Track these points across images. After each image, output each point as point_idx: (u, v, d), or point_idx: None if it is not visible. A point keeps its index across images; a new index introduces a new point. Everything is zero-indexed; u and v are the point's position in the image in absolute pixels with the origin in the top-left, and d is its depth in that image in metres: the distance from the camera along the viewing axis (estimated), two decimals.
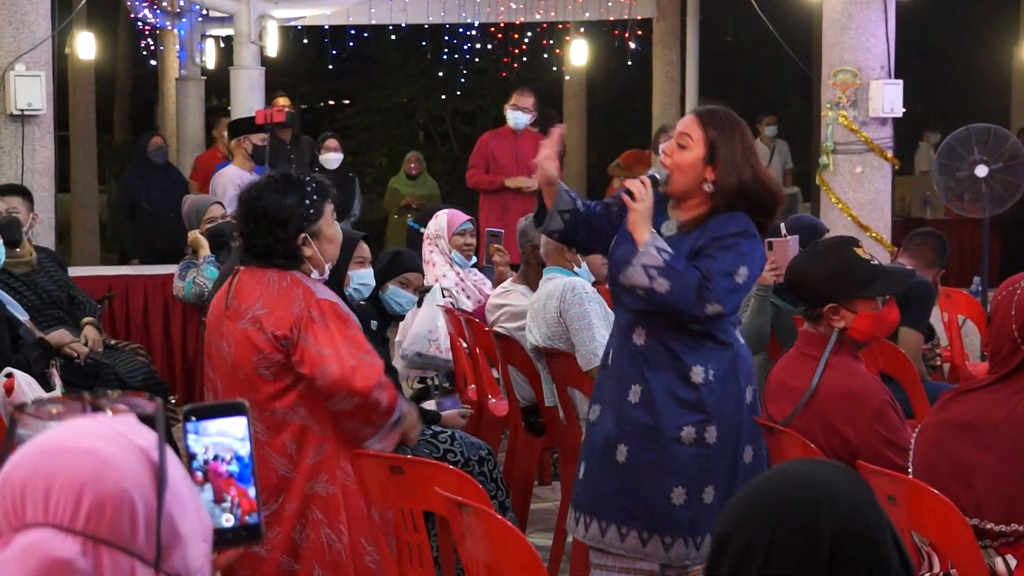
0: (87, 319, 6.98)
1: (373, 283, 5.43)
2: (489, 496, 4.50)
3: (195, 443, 1.72)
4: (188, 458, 1.71)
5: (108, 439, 1.49)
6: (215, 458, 1.72)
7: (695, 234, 4.17)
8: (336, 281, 5.06)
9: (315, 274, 4.18)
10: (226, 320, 4.17)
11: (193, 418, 1.72)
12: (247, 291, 4.13)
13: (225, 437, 1.72)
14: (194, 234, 7.72)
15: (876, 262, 4.37)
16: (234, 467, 1.72)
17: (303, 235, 4.10)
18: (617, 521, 4.28)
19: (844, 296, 4.22)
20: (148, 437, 1.53)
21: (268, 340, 4.04)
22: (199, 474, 1.70)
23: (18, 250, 6.86)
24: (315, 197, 4.13)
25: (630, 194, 4.13)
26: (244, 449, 1.73)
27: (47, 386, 6.18)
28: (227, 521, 1.71)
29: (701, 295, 4.04)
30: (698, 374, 4.20)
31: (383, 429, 4.14)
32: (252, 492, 1.73)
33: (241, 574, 4.07)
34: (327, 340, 4.01)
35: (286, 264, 4.12)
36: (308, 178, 4.20)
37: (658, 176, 4.20)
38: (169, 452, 1.53)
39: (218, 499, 1.71)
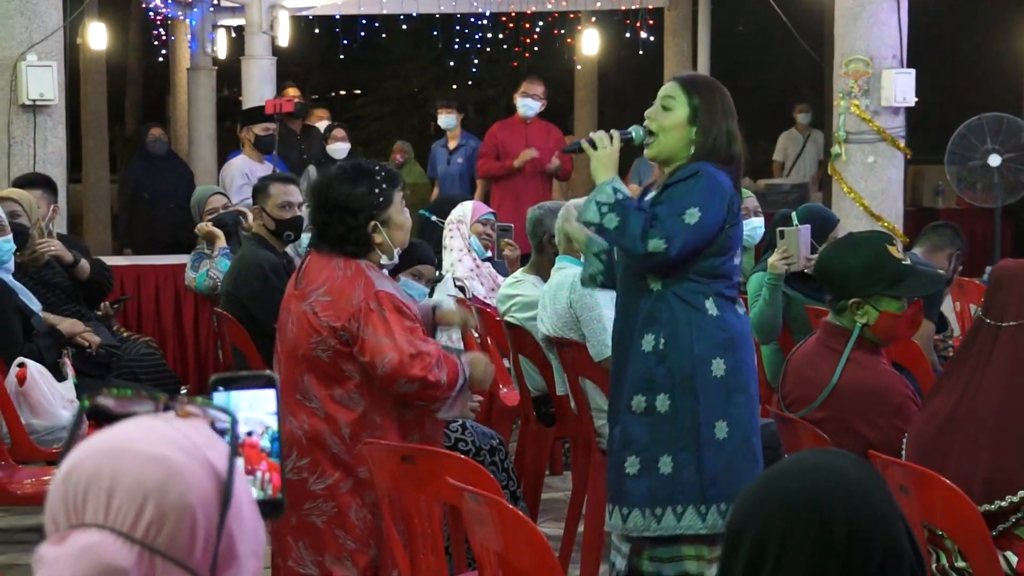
0: (103, 305, 7.00)
1: (420, 296, 5.63)
2: (500, 486, 4.51)
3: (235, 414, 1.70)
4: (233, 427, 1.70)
5: (180, 448, 1.47)
6: (249, 433, 1.69)
7: (660, 191, 4.30)
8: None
9: (384, 259, 4.31)
10: (294, 299, 4.30)
11: (221, 388, 1.69)
12: (315, 273, 4.25)
13: (256, 411, 1.71)
14: (205, 226, 7.72)
15: (907, 262, 4.35)
16: (266, 442, 1.71)
17: (373, 223, 4.23)
18: (612, 500, 4.48)
19: (870, 292, 4.19)
20: (219, 450, 1.51)
21: (326, 328, 4.16)
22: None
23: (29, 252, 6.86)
24: (384, 186, 4.26)
25: (591, 144, 4.29)
26: (274, 423, 1.71)
27: (59, 376, 6.20)
28: (258, 494, 1.70)
29: (645, 232, 4.13)
30: (648, 343, 4.25)
31: (449, 399, 4.27)
32: (278, 463, 1.71)
33: (298, 540, 4.25)
34: (385, 330, 4.12)
35: (356, 251, 4.25)
36: (378, 167, 4.33)
37: (634, 135, 4.35)
38: (240, 472, 1.51)
39: (248, 472, 1.70)
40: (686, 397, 4.23)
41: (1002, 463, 3.57)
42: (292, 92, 12.40)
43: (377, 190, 4.24)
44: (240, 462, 1.64)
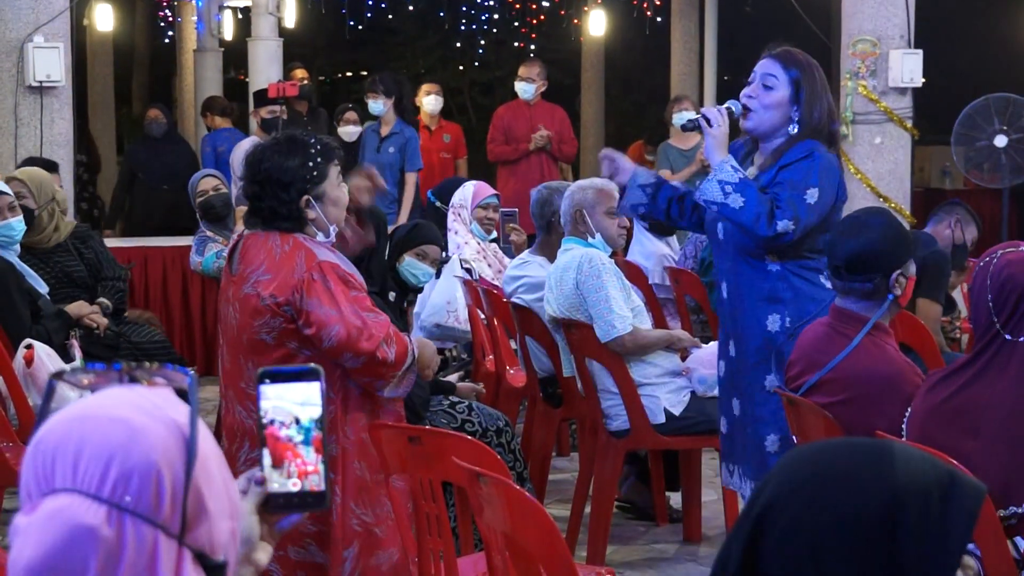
0: (100, 299, 6.97)
1: (427, 278, 5.56)
2: (507, 467, 4.51)
3: (264, 402, 1.73)
4: (259, 420, 1.72)
5: (141, 410, 1.50)
6: (271, 423, 1.71)
7: (772, 170, 4.36)
8: (381, 259, 5.09)
9: (320, 237, 4.13)
10: (232, 285, 4.16)
11: (268, 380, 1.72)
12: (251, 255, 4.10)
13: (284, 401, 1.71)
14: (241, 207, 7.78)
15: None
16: (293, 431, 1.71)
17: (306, 197, 4.06)
18: (744, 472, 4.64)
19: (903, 261, 4.21)
20: (182, 411, 1.54)
21: (269, 306, 4.01)
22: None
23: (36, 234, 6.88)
24: (319, 159, 4.08)
25: (708, 121, 4.38)
26: (305, 414, 1.72)
27: (67, 357, 6.21)
28: (294, 486, 1.71)
29: (772, 213, 4.22)
30: (774, 322, 4.35)
31: (395, 378, 4.13)
32: (311, 457, 1.72)
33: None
34: (330, 301, 3.98)
35: (290, 227, 4.08)
36: (313, 139, 4.15)
37: (734, 108, 4.45)
38: (202, 427, 1.53)
39: (276, 464, 1.71)
40: None
41: (1005, 473, 3.54)
42: (300, 74, 12.37)
43: (311, 163, 4.05)
44: (265, 452, 1.66)
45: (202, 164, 11.22)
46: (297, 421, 1.72)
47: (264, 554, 1.71)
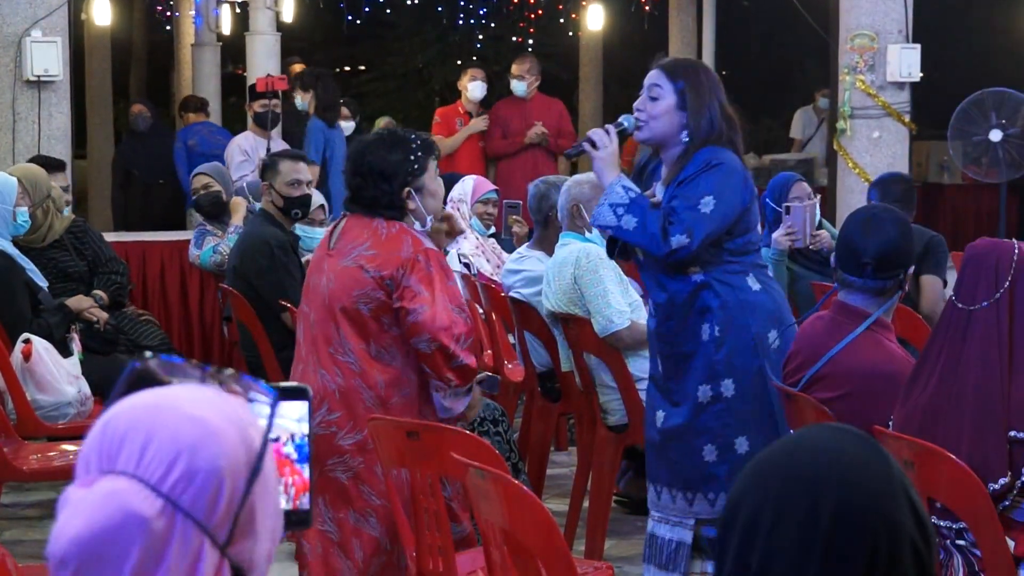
0: (95, 291, 6.97)
1: None
2: (503, 458, 4.53)
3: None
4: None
5: (221, 414, 1.50)
6: (276, 439, 1.71)
7: (672, 185, 4.33)
8: None
9: (417, 226, 4.32)
10: (328, 258, 4.33)
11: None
12: (355, 234, 4.30)
13: (283, 419, 1.72)
14: (236, 200, 7.80)
15: None
16: (290, 448, 1.72)
17: (407, 189, 4.27)
18: (665, 484, 4.55)
19: (915, 258, 4.23)
20: (256, 425, 1.54)
21: (372, 278, 4.19)
22: None
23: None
24: (420, 153, 4.30)
25: (593, 144, 4.36)
26: (300, 431, 1.73)
27: (66, 351, 6.21)
28: (283, 503, 1.71)
29: (665, 229, 4.18)
30: (705, 332, 4.32)
31: (456, 391, 4.30)
32: (306, 474, 1.73)
33: (318, 496, 4.23)
34: (427, 284, 4.18)
35: (391, 215, 4.29)
36: (414, 135, 4.38)
37: (626, 124, 4.43)
38: (271, 448, 1.53)
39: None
40: (750, 379, 4.31)
41: (982, 449, 3.54)
42: (298, 68, 12.32)
43: (412, 157, 4.28)
44: (270, 448, 1.65)
45: (175, 159, 11.20)
46: (293, 438, 1.73)
47: None
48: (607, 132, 4.39)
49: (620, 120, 4.46)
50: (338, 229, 4.39)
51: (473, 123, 10.47)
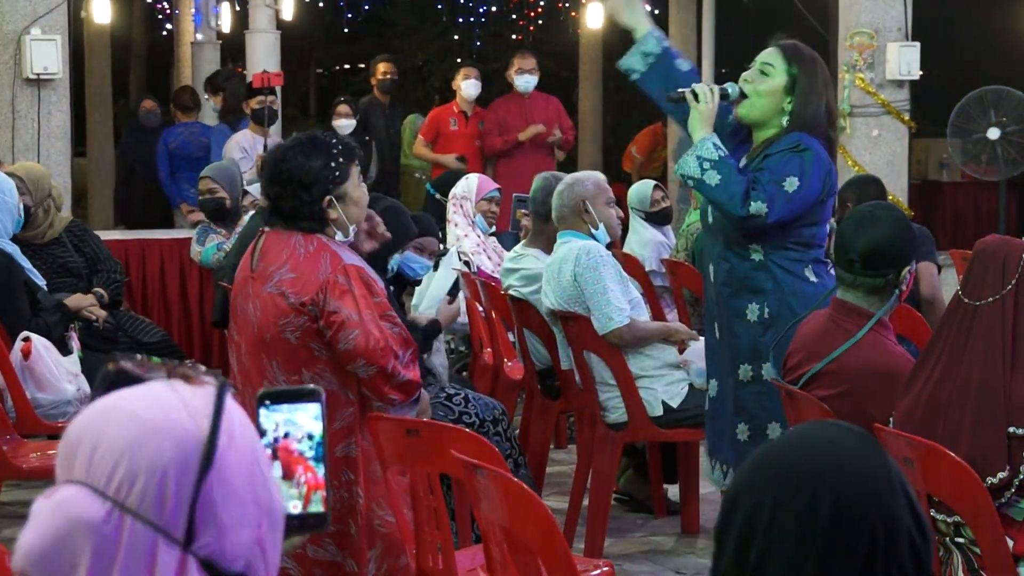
0: (96, 289, 6.97)
1: (425, 271, 5.58)
2: (504, 455, 4.52)
3: (266, 422, 1.71)
4: (260, 435, 1.70)
5: (167, 410, 1.48)
6: (286, 435, 1.70)
7: (759, 158, 4.36)
8: (385, 252, 5.09)
9: (339, 236, 4.13)
10: (252, 282, 4.14)
11: (268, 402, 1.72)
12: (273, 253, 4.09)
13: (296, 415, 1.72)
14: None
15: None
16: (305, 446, 1.71)
17: (328, 198, 4.05)
18: (719, 459, 4.69)
19: (913, 257, 4.23)
20: (209, 416, 1.51)
21: (294, 306, 4.01)
22: (268, 451, 1.69)
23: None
24: (341, 160, 4.07)
25: (695, 96, 4.35)
26: (317, 430, 1.72)
27: (65, 349, 6.21)
28: (294, 508, 1.70)
29: (747, 194, 4.21)
30: (753, 312, 4.34)
31: (401, 406, 4.14)
32: (321, 473, 1.71)
33: None
34: (352, 306, 3.99)
35: (311, 227, 4.08)
36: (334, 140, 4.15)
37: (729, 91, 4.44)
38: (236, 436, 1.51)
39: (287, 476, 1.70)
40: None
41: (982, 444, 3.54)
42: (383, 67, 11.99)
43: (333, 163, 4.04)
44: (271, 464, 1.64)
45: (157, 160, 11.17)
46: (310, 436, 1.72)
47: None
48: (711, 91, 4.38)
49: (726, 86, 4.46)
50: (258, 247, 4.16)
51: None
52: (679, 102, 4.46)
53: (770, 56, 4.44)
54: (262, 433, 1.70)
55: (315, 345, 4.05)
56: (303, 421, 1.72)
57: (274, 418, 1.72)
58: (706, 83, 4.47)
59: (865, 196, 6.52)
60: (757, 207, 4.23)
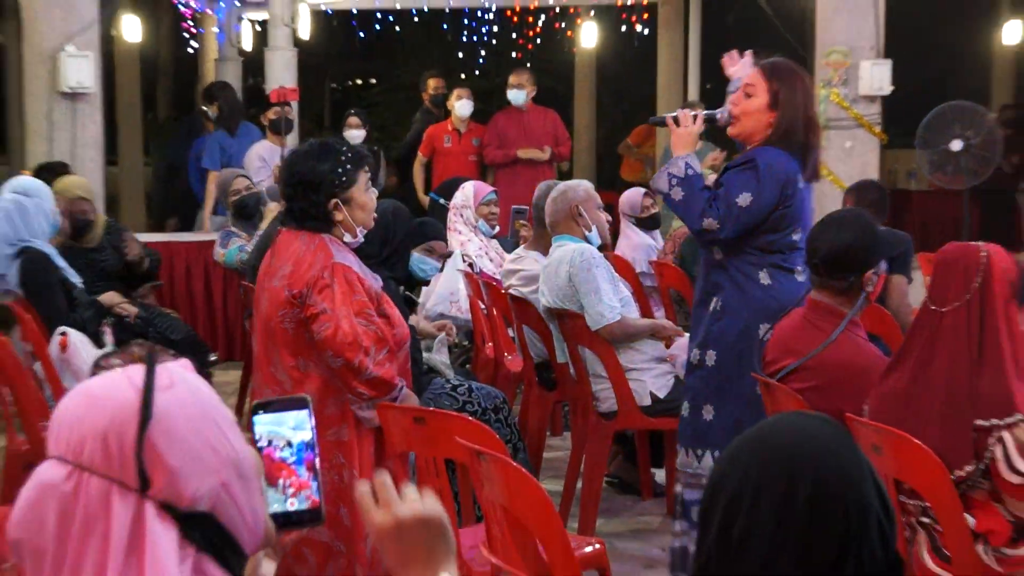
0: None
1: (433, 272, 5.59)
2: (505, 440, 4.54)
3: (258, 428, 1.76)
4: (254, 444, 1.74)
5: (110, 385, 1.59)
6: (269, 444, 1.74)
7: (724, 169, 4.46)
8: (398, 253, 5.09)
9: (348, 237, 4.13)
10: (266, 276, 4.18)
11: (260, 411, 1.77)
12: (282, 250, 4.12)
13: (280, 426, 1.75)
14: (272, 207, 7.82)
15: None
16: (286, 453, 1.75)
17: (334, 200, 4.06)
18: None
19: (875, 259, 4.22)
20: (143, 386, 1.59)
21: (288, 298, 4.04)
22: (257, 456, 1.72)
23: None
24: (348, 166, 4.07)
25: (675, 120, 4.43)
26: (297, 437, 1.75)
27: (99, 343, 6.22)
28: (291, 505, 1.74)
29: (704, 211, 4.30)
30: (713, 304, 4.44)
31: (370, 403, 4.08)
32: (304, 475, 1.74)
33: None
34: (330, 300, 3.99)
35: (318, 227, 4.09)
36: (344, 147, 4.13)
37: (717, 115, 4.49)
38: (180, 393, 1.58)
39: (271, 482, 1.74)
40: (730, 356, 4.39)
41: (947, 442, 3.55)
42: (433, 84, 11.98)
43: (340, 169, 4.05)
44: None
45: (189, 167, 11.14)
46: (290, 444, 1.75)
47: (269, 568, 1.74)
48: (694, 117, 4.45)
49: (715, 112, 4.51)
50: (274, 245, 4.21)
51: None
52: (659, 125, 4.58)
53: (752, 78, 4.46)
54: (255, 440, 1.75)
55: (306, 333, 4.05)
56: (283, 430, 1.76)
57: (258, 428, 1.76)
58: (691, 109, 4.51)
59: (864, 199, 6.51)
60: (709, 223, 4.33)
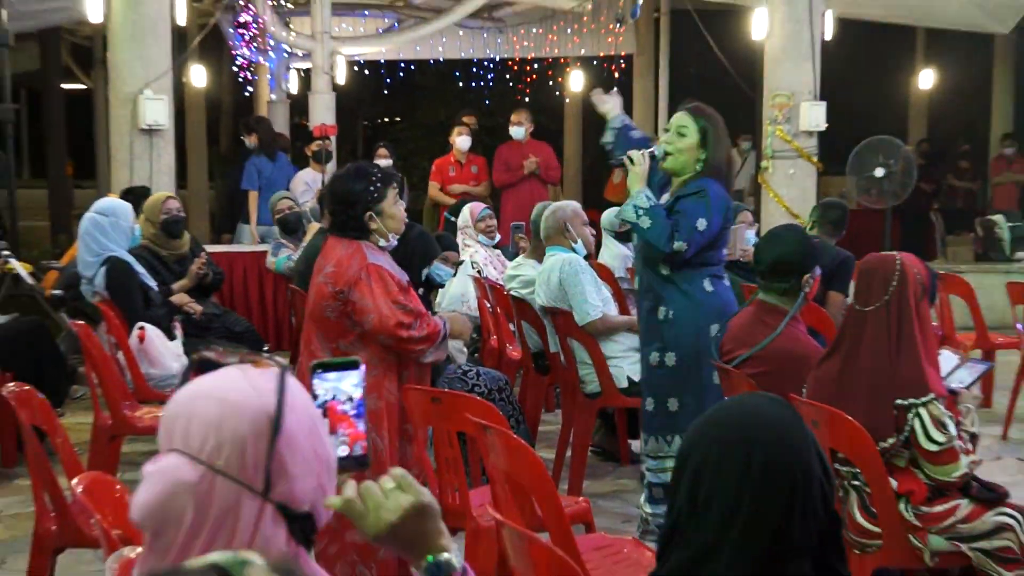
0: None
1: (448, 277, 5.56)
2: (507, 416, 4.51)
3: (319, 387, 1.72)
4: (313, 397, 1.70)
5: (241, 392, 1.49)
6: (333, 398, 1.71)
7: (672, 199, 4.34)
8: (413, 267, 5.07)
9: (382, 242, 4.14)
10: (314, 275, 4.20)
11: (320, 370, 1.72)
12: (328, 254, 4.14)
13: (342, 383, 1.71)
14: (313, 225, 7.80)
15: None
16: (348, 407, 1.71)
17: (369, 213, 4.08)
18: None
19: (811, 266, 4.22)
20: (274, 394, 1.52)
21: (331, 293, 4.05)
22: (320, 409, 1.69)
23: (177, 241, 6.90)
24: (379, 184, 4.10)
25: (631, 160, 4.35)
26: (356, 394, 1.72)
27: (171, 336, 6.21)
28: (342, 452, 1.70)
29: (672, 235, 4.21)
30: (662, 313, 4.33)
31: (430, 349, 4.11)
32: (361, 426, 1.72)
33: None
34: (369, 295, 4.00)
35: (356, 235, 4.11)
36: (376, 169, 4.17)
37: (657, 153, 4.39)
38: (297, 406, 1.51)
39: (332, 430, 1.70)
40: (688, 355, 4.32)
41: (873, 419, 3.54)
42: (469, 120, 11.97)
43: (372, 188, 4.07)
44: (324, 423, 1.62)
45: (246, 181, 11.07)
46: (351, 399, 1.72)
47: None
48: (643, 156, 4.35)
49: (652, 149, 4.42)
50: (324, 249, 4.23)
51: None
52: (620, 166, 4.48)
53: (682, 119, 4.38)
54: (315, 396, 1.70)
55: (346, 322, 4.06)
56: (346, 387, 1.72)
57: (324, 385, 1.72)
58: (639, 151, 4.41)
59: (827, 216, 6.51)
60: (679, 245, 4.24)
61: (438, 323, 4.18)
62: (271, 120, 14.61)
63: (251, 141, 10.22)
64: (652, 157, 4.39)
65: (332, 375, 1.73)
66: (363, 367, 1.75)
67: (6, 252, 7.44)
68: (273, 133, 10.47)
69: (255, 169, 9.98)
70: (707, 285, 4.39)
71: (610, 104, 4.67)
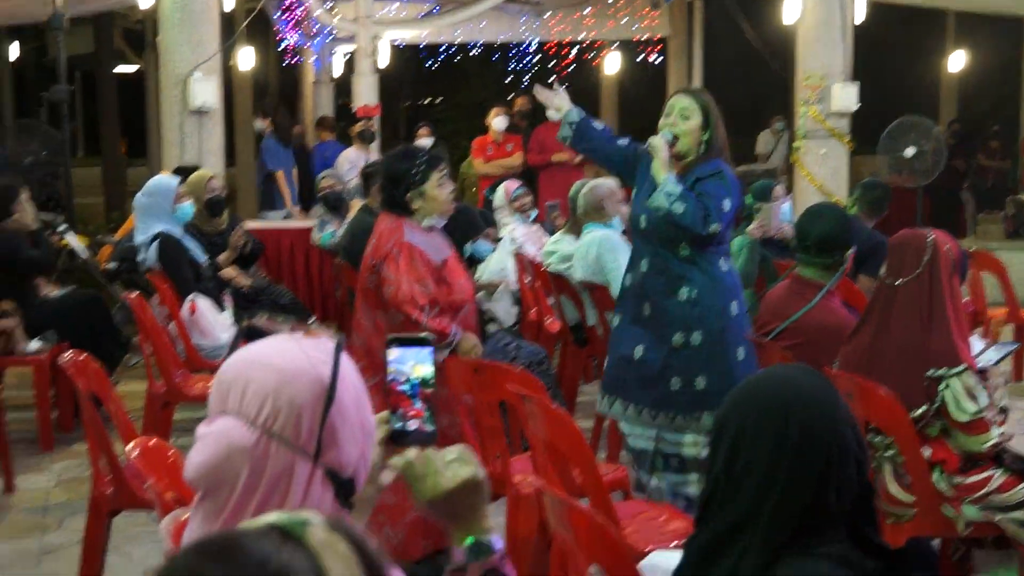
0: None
1: (488, 253, 5.56)
2: (546, 386, 4.48)
3: (392, 366, 1.71)
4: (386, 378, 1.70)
5: (295, 360, 1.50)
6: (393, 380, 1.70)
7: (688, 180, 4.21)
8: (463, 240, 5.06)
9: (425, 221, 4.14)
10: (367, 246, 4.25)
11: (395, 344, 1.71)
12: (376, 228, 4.20)
13: (403, 364, 1.70)
14: (356, 201, 7.82)
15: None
16: (406, 387, 1.70)
17: (410, 192, 4.10)
18: (634, 401, 4.31)
19: (853, 243, 4.20)
20: (329, 363, 1.52)
21: (369, 264, 4.11)
22: (390, 382, 1.70)
23: (218, 219, 6.94)
24: (423, 166, 4.12)
25: (652, 146, 4.24)
26: (417, 372, 1.70)
27: (220, 308, 6.24)
28: (410, 426, 1.69)
29: (707, 218, 4.11)
30: (683, 294, 4.23)
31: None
32: (419, 405, 1.70)
33: None
34: (395, 270, 4.05)
35: (400, 212, 4.14)
36: (422, 152, 4.20)
37: (670, 138, 4.30)
38: (345, 374, 1.52)
39: (392, 410, 1.70)
40: (714, 332, 4.20)
41: (904, 389, 3.51)
42: (520, 102, 11.93)
43: (415, 169, 4.10)
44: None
45: (315, 167, 11.14)
46: (408, 379, 1.70)
47: (388, 476, 1.68)
48: (663, 142, 4.23)
49: (667, 134, 4.29)
50: (376, 224, 4.27)
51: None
52: (642, 155, 4.33)
53: (683, 101, 4.26)
54: (388, 375, 1.70)
55: (380, 293, 4.11)
56: (406, 367, 1.70)
57: (393, 365, 1.70)
58: (659, 136, 4.25)
59: (867, 196, 6.33)
60: (715, 227, 4.12)
61: (449, 327, 4.14)
62: (316, 101, 14.69)
63: (264, 124, 10.27)
64: (670, 143, 4.24)
65: (395, 353, 1.71)
66: (431, 346, 1.72)
67: (63, 227, 7.49)
68: (289, 120, 10.52)
69: (270, 152, 10.06)
70: (723, 264, 4.31)
71: (559, 99, 4.55)
